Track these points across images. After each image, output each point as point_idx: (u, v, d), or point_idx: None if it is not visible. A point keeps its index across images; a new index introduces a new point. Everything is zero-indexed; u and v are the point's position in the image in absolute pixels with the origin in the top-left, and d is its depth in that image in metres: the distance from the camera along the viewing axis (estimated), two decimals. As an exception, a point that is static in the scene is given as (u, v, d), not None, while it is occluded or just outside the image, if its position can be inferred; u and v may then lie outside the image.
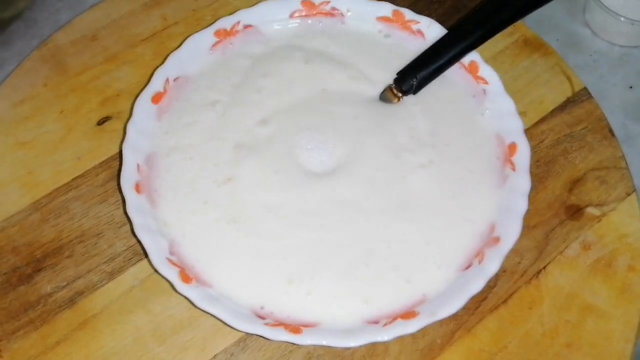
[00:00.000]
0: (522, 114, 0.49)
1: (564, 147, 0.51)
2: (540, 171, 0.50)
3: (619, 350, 0.44)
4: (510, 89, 0.49)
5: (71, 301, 0.45)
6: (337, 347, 0.41)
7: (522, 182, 0.45)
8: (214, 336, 0.44)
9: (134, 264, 0.46)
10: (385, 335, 0.40)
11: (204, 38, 0.51)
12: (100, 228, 0.48)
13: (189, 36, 0.51)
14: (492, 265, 0.42)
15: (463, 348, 0.44)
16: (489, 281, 0.42)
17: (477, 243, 0.44)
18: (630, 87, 0.63)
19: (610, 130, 0.52)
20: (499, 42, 0.56)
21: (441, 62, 0.49)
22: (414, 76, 0.49)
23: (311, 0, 0.53)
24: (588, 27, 0.66)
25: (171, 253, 0.43)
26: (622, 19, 0.60)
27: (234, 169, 0.47)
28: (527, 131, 0.49)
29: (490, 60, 0.51)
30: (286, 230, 0.44)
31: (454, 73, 0.50)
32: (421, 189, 0.46)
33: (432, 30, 0.52)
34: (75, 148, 0.51)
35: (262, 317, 0.41)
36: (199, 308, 0.41)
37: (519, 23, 0.54)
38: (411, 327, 0.40)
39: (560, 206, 0.49)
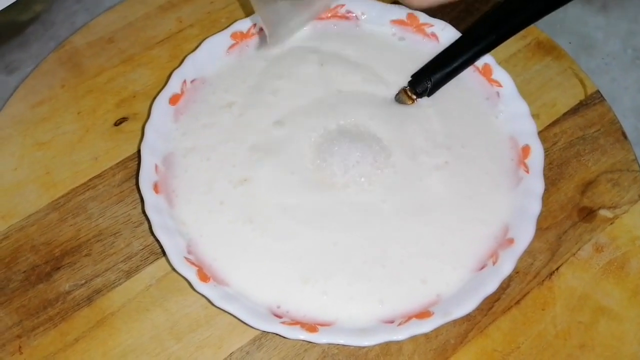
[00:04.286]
0: (535, 116, 0.49)
1: (576, 150, 0.52)
2: (553, 173, 0.50)
3: (632, 352, 0.44)
4: (523, 92, 0.49)
5: (89, 299, 0.46)
6: (352, 346, 0.42)
7: (535, 184, 0.46)
8: (230, 334, 0.44)
9: (151, 262, 0.47)
10: (400, 334, 0.40)
11: (220, 40, 0.52)
12: (118, 227, 0.49)
13: (204, 38, 0.52)
14: (506, 266, 0.42)
15: (476, 348, 0.44)
16: (503, 282, 0.42)
17: (492, 244, 0.44)
18: (643, 90, 0.63)
19: (623, 133, 0.52)
20: (512, 45, 0.56)
21: (455, 65, 0.50)
22: (429, 79, 0.50)
23: (326, 3, 0.53)
24: (601, 31, 0.66)
25: (189, 252, 0.44)
26: None
27: (250, 170, 0.47)
28: (540, 134, 0.49)
29: (503, 63, 0.51)
30: (302, 231, 0.45)
31: (468, 76, 0.51)
32: (437, 190, 0.46)
33: (446, 34, 0.52)
34: (92, 149, 0.52)
35: (278, 316, 0.42)
36: (216, 306, 0.41)
37: (532, 26, 0.54)
38: (426, 326, 0.40)
39: (573, 208, 0.49)
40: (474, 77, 0.51)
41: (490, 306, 0.45)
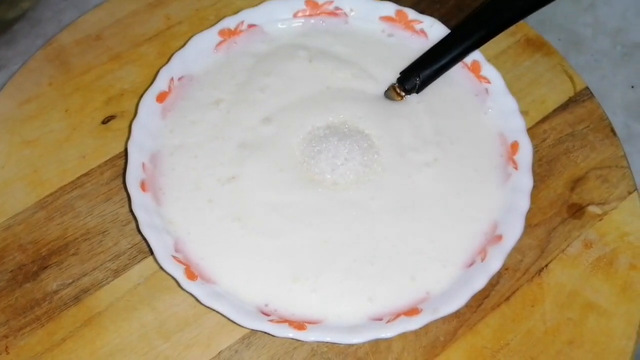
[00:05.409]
0: (524, 113, 0.49)
1: (565, 146, 0.52)
2: (542, 170, 0.50)
3: (620, 347, 0.44)
4: (513, 88, 0.49)
5: (76, 298, 0.45)
6: (341, 344, 0.42)
7: (524, 180, 0.45)
8: (219, 333, 0.44)
9: (139, 261, 0.47)
10: (388, 332, 0.40)
11: (208, 37, 0.51)
12: (105, 226, 0.48)
13: (192, 36, 0.51)
14: (494, 263, 0.42)
15: (465, 345, 0.44)
16: (492, 279, 0.42)
17: (481, 241, 0.44)
18: (632, 87, 0.63)
19: (612, 130, 0.52)
20: (501, 41, 0.56)
21: (444, 61, 0.50)
22: (417, 75, 0.50)
23: (315, 0, 0.53)
24: (590, 27, 0.66)
25: (176, 250, 0.43)
26: None
27: (238, 168, 0.47)
28: (529, 130, 0.49)
29: (492, 60, 0.51)
30: (291, 229, 0.45)
31: (457, 72, 0.51)
32: (426, 187, 0.46)
33: (435, 30, 0.52)
34: (80, 147, 0.52)
35: (266, 314, 0.41)
36: (204, 305, 0.41)
37: (521, 23, 0.54)
38: (414, 324, 0.40)
39: (562, 205, 0.49)
40: (462, 73, 0.51)
41: (480, 303, 0.45)
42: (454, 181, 0.47)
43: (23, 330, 0.44)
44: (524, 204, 0.44)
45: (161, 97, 0.49)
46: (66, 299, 0.45)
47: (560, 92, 0.54)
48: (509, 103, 0.49)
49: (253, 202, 0.46)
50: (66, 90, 0.54)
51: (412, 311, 0.41)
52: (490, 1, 0.50)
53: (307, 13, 0.54)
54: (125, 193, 0.49)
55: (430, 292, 0.43)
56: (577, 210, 0.49)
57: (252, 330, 0.43)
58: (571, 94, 0.54)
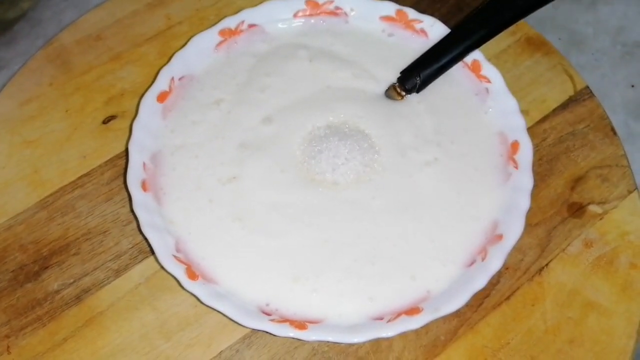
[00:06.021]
0: (524, 112, 0.49)
1: (566, 146, 0.52)
2: (542, 169, 0.50)
3: (620, 346, 0.44)
4: (513, 88, 0.49)
5: (78, 298, 0.46)
6: (342, 343, 0.42)
7: (524, 180, 0.46)
8: (220, 333, 0.44)
9: (140, 261, 0.47)
10: (389, 331, 0.40)
11: (209, 37, 0.52)
12: (106, 226, 0.48)
13: (193, 35, 0.52)
14: (495, 262, 0.42)
15: (466, 344, 0.44)
16: (492, 278, 0.42)
17: (481, 240, 0.44)
18: (632, 86, 0.63)
19: (612, 129, 0.52)
20: (501, 41, 0.56)
21: (444, 61, 0.50)
22: (418, 75, 0.50)
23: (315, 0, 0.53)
24: (590, 27, 0.66)
25: (177, 250, 0.43)
26: None
27: (239, 168, 0.47)
28: (530, 129, 0.49)
29: (492, 59, 0.51)
30: (291, 229, 0.45)
31: (457, 72, 0.51)
32: (427, 187, 0.47)
33: (435, 30, 0.52)
34: (80, 147, 0.52)
35: (267, 314, 0.42)
36: (205, 305, 0.41)
37: (521, 22, 0.54)
38: (415, 323, 0.40)
39: (562, 204, 0.49)
40: (463, 73, 0.51)
41: (480, 302, 0.45)
42: (454, 180, 0.47)
43: (24, 330, 0.44)
44: (525, 203, 0.44)
45: (162, 97, 0.49)
46: (67, 298, 0.45)
47: (561, 92, 0.54)
48: (509, 102, 0.49)
49: (254, 202, 0.46)
50: (67, 90, 0.54)
51: (413, 310, 0.41)
52: (490, 0, 0.50)
53: (308, 13, 0.54)
54: (126, 193, 0.49)
55: (430, 292, 0.43)
56: (577, 210, 0.49)
57: (253, 329, 0.43)
58: (571, 93, 0.54)
